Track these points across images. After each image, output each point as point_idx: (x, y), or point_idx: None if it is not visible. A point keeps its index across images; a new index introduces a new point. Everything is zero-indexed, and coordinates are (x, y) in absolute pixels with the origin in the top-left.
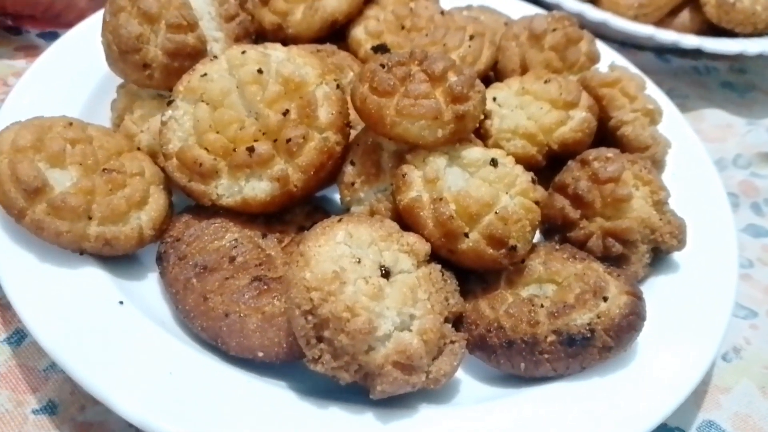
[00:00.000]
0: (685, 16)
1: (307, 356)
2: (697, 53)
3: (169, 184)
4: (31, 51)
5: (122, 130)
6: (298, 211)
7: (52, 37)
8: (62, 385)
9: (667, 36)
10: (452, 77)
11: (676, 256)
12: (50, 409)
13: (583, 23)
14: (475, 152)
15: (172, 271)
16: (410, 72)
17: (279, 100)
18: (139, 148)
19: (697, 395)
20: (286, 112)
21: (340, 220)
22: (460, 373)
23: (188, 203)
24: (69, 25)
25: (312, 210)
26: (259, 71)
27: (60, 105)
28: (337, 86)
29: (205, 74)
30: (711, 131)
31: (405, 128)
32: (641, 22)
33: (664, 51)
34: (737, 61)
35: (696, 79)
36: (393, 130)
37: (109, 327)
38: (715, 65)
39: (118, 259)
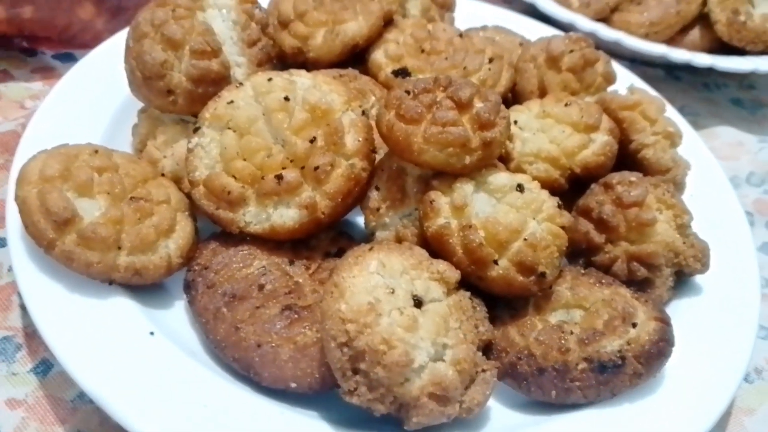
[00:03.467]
0: (695, 33)
1: (342, 388)
2: (707, 70)
3: (195, 211)
4: (48, 73)
5: (145, 155)
6: (323, 236)
7: (68, 58)
8: (91, 415)
9: (679, 55)
10: (478, 104)
11: (698, 278)
12: None
13: (596, 42)
14: (501, 178)
15: (201, 300)
16: (436, 99)
17: (306, 128)
18: (162, 174)
19: (722, 418)
20: (313, 140)
21: (371, 249)
22: (491, 401)
23: (213, 229)
24: (85, 46)
25: (337, 235)
26: (286, 98)
27: (82, 130)
28: (363, 112)
29: (232, 101)
30: (723, 149)
31: (433, 155)
32: (652, 40)
33: (674, 68)
34: (746, 78)
35: (706, 96)
36: (420, 157)
37: (141, 358)
38: (725, 82)
39: (145, 287)
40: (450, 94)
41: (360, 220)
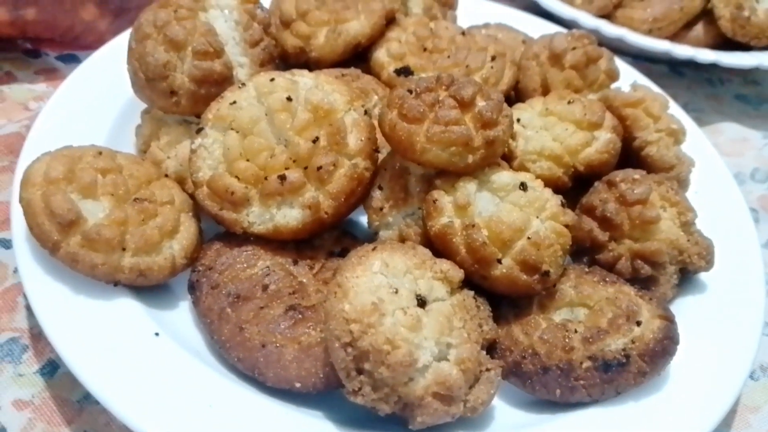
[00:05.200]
0: (699, 29)
1: (346, 388)
2: (711, 66)
3: (199, 211)
4: (51, 74)
5: (149, 156)
6: (327, 236)
7: (72, 59)
8: (97, 416)
9: (683, 51)
10: (481, 102)
11: (703, 275)
12: None
13: (599, 39)
14: (504, 176)
15: (206, 301)
16: (438, 97)
17: (308, 128)
18: (166, 175)
19: (727, 415)
20: (315, 140)
21: (374, 249)
22: (495, 400)
23: (217, 230)
24: (88, 47)
25: (340, 235)
26: (288, 99)
27: (85, 132)
28: (365, 112)
29: (234, 102)
30: (728, 145)
31: (435, 155)
32: (656, 36)
33: (678, 64)
34: (750, 73)
35: (710, 92)
36: (423, 156)
37: (146, 359)
38: (729, 78)
39: (150, 288)
40: (452, 93)
41: (364, 219)
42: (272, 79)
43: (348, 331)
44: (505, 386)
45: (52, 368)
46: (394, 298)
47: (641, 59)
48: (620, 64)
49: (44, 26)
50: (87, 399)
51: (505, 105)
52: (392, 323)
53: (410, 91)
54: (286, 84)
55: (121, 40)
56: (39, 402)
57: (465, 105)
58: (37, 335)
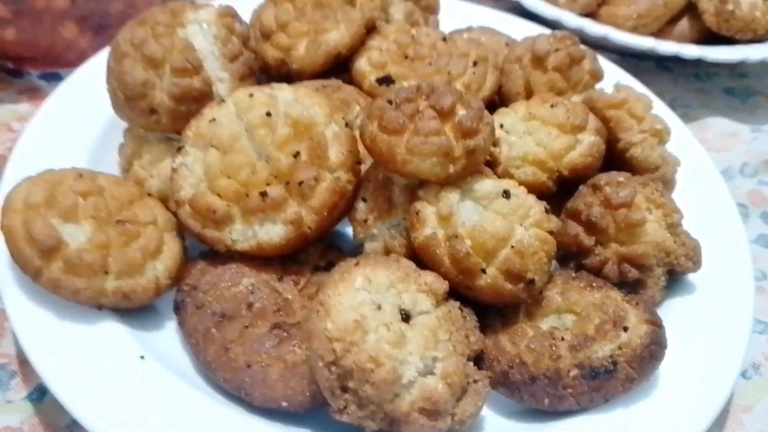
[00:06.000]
0: (684, 24)
1: (332, 407)
2: (698, 60)
3: (182, 230)
4: (34, 93)
5: (131, 176)
6: (312, 250)
7: (54, 78)
8: None
9: (668, 47)
10: (461, 111)
11: (691, 275)
12: None
13: (584, 38)
14: (487, 185)
15: (191, 321)
16: (418, 108)
17: (289, 143)
18: (149, 194)
19: (720, 415)
20: (296, 154)
21: (357, 264)
22: (484, 410)
23: (202, 247)
24: (70, 65)
25: (326, 248)
26: (268, 114)
27: (68, 152)
28: (346, 124)
29: (214, 119)
30: (716, 140)
31: (416, 166)
32: (640, 33)
33: (664, 59)
34: (737, 66)
35: (698, 86)
36: (404, 167)
37: (132, 383)
38: (716, 71)
39: (135, 310)
40: (432, 103)
41: (350, 231)
42: (251, 95)
43: (331, 350)
44: (494, 396)
45: (41, 394)
46: (377, 314)
47: (627, 56)
48: (605, 62)
49: (25, 46)
50: (76, 424)
51: (485, 113)
52: (375, 340)
53: (390, 102)
54: (265, 99)
55: (102, 58)
56: (28, 428)
57: (444, 115)
58: (25, 361)
